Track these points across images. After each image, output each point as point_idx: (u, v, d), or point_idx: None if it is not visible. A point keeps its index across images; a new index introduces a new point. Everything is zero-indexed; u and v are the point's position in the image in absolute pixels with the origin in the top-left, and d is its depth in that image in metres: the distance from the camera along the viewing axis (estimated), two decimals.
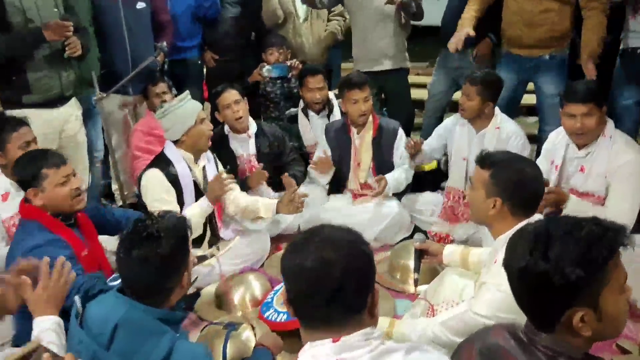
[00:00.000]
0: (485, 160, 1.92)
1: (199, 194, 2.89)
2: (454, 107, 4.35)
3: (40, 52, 3.00)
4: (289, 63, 4.00)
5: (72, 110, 3.25)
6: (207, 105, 4.60)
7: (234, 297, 2.73)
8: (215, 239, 3.03)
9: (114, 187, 3.82)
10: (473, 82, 3.07)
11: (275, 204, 2.98)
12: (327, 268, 1.16)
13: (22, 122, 2.62)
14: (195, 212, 2.78)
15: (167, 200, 2.77)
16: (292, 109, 3.94)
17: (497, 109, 3.20)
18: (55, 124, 3.15)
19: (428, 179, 3.58)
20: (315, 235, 1.24)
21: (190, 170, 2.87)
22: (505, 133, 3.13)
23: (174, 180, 2.80)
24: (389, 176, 3.32)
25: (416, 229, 3.30)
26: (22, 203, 2.24)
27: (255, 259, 3.09)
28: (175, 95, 3.45)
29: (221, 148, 3.36)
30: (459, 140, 3.27)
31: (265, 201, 3.05)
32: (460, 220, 3.24)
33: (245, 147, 3.44)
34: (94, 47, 3.51)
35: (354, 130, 3.42)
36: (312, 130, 3.79)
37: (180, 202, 2.83)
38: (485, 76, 3.11)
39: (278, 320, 2.45)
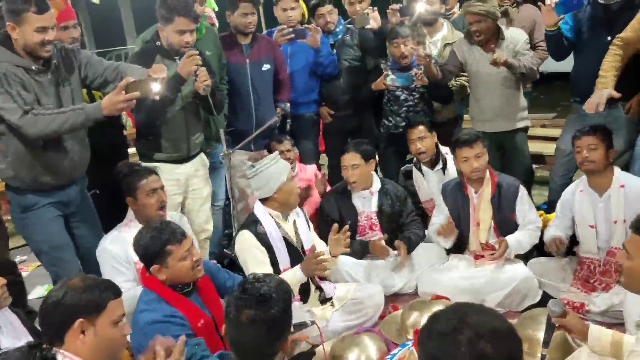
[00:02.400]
0: None
1: (291, 249, 2.91)
2: None
3: (173, 113, 3.17)
4: (413, 73, 3.87)
5: (198, 166, 3.43)
6: (324, 158, 4.72)
7: (349, 359, 2.65)
8: (323, 294, 3.00)
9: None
10: (591, 132, 2.92)
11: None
12: None
13: (151, 171, 2.83)
14: (288, 277, 2.73)
15: (261, 260, 2.81)
16: (407, 165, 3.89)
17: (615, 167, 2.98)
18: (181, 179, 3.33)
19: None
20: (464, 325, 1.14)
21: (280, 227, 2.90)
22: (634, 191, 2.87)
23: (264, 240, 2.84)
24: (510, 237, 3.14)
25: (545, 296, 3.05)
26: (144, 273, 2.31)
27: (368, 316, 3.01)
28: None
29: (343, 202, 3.38)
30: (581, 209, 3.04)
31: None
32: (597, 289, 2.95)
33: (367, 204, 3.43)
34: (225, 105, 3.73)
35: (470, 188, 3.29)
36: (428, 185, 3.71)
37: (273, 260, 2.85)
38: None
39: None
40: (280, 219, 2.93)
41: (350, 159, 3.35)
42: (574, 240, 3.25)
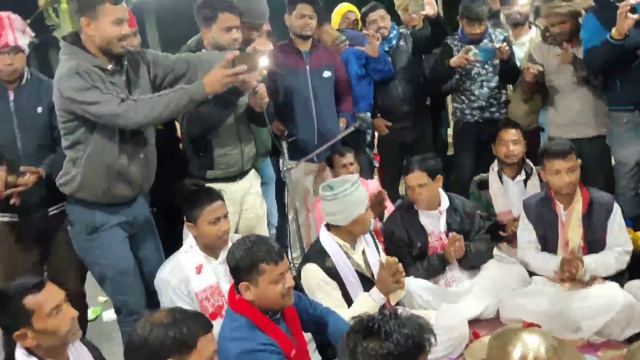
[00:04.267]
0: None
1: (364, 281, 2.68)
2: None
3: (225, 127, 2.99)
4: (497, 45, 3.66)
5: (251, 182, 3.21)
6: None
7: None
8: None
9: (294, 254, 3.74)
10: None
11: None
12: None
13: (217, 196, 2.59)
14: (365, 303, 2.56)
15: (333, 297, 2.59)
16: (483, 175, 3.63)
17: None
18: (236, 197, 3.11)
19: None
20: None
21: (349, 257, 2.68)
22: None
23: (333, 273, 2.62)
24: (589, 258, 2.89)
25: None
26: (232, 293, 2.13)
27: (453, 347, 2.75)
28: None
29: (410, 222, 3.15)
30: None
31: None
32: None
33: (435, 223, 3.18)
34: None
35: (559, 205, 3.01)
36: (507, 196, 3.45)
37: (345, 293, 2.64)
38: None
39: None
40: (348, 249, 2.71)
41: (417, 179, 3.09)
42: None
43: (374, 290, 2.60)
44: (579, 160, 2.97)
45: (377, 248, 2.88)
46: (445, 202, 3.20)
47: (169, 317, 1.58)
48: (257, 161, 3.60)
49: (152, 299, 2.65)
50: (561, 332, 2.76)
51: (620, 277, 2.98)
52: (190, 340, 1.56)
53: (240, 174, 3.12)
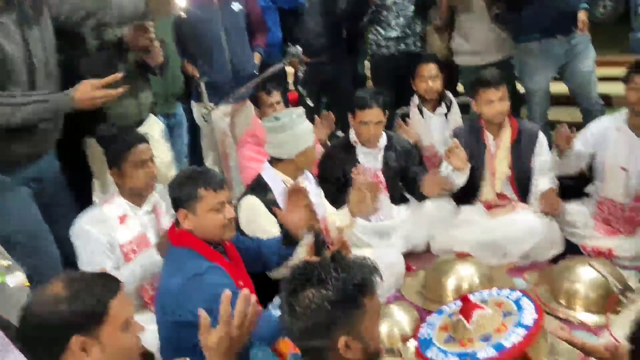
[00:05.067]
0: None
1: None
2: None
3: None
4: None
5: (151, 130, 2.91)
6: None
7: (381, 331, 2.38)
8: None
9: None
10: None
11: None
12: None
13: (141, 139, 2.38)
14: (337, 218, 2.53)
15: (269, 231, 2.48)
16: (404, 108, 3.57)
17: None
18: None
19: (569, 185, 3.14)
20: None
21: None
22: None
23: (273, 207, 2.49)
24: (545, 185, 2.95)
25: (568, 244, 2.89)
26: (172, 228, 2.01)
27: (389, 287, 2.73)
28: None
29: (347, 159, 3.05)
30: (615, 147, 2.84)
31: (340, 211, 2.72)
32: (620, 233, 2.81)
33: (373, 160, 3.10)
34: (175, 61, 3.26)
35: (488, 134, 3.03)
36: (429, 129, 3.43)
37: None
38: None
39: None
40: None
41: (376, 115, 2.97)
42: (584, 179, 3.10)
43: (345, 210, 2.55)
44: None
45: (319, 188, 2.78)
46: (384, 139, 3.12)
47: (68, 288, 1.31)
48: (169, 106, 3.34)
49: (69, 262, 2.39)
50: (490, 259, 2.84)
51: None
52: (99, 308, 1.31)
53: (137, 124, 2.87)
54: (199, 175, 1.96)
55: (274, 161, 2.58)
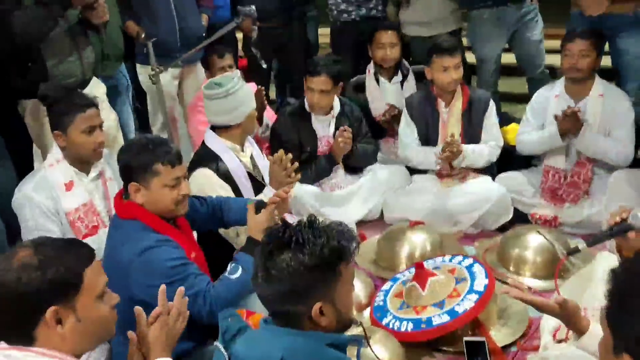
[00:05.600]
0: None
1: (255, 184, 2.52)
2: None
3: (56, 32, 2.56)
4: None
5: (94, 92, 2.74)
6: None
7: None
8: None
9: None
10: (586, 37, 2.75)
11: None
12: None
13: (92, 104, 2.23)
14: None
15: None
16: (360, 76, 3.52)
17: (596, 75, 2.87)
18: None
19: (516, 156, 3.20)
20: None
21: (240, 161, 2.49)
22: (612, 102, 2.80)
23: (227, 178, 2.42)
24: (471, 146, 2.98)
25: (516, 212, 2.96)
26: (119, 199, 1.89)
27: None
28: None
29: (302, 126, 2.99)
30: (555, 113, 2.90)
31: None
32: (565, 201, 2.91)
33: (326, 128, 3.05)
34: (115, 17, 3.08)
35: (441, 102, 3.03)
36: (384, 98, 3.39)
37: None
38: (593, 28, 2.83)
39: (404, 330, 2.11)
40: (238, 152, 2.50)
41: (322, 83, 2.90)
42: None
43: (267, 188, 2.42)
44: None
45: (262, 152, 2.73)
46: (337, 107, 3.07)
47: (37, 255, 1.22)
48: (109, 67, 3.15)
49: (11, 234, 2.25)
50: (442, 227, 2.88)
51: (490, 170, 3.14)
52: (74, 277, 1.23)
53: (82, 84, 2.71)
54: (155, 148, 1.83)
55: (218, 129, 2.47)
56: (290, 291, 1.25)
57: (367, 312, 2.34)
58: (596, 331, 1.49)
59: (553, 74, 3.86)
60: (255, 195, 2.48)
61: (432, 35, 3.51)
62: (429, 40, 3.36)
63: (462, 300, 2.11)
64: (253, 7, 3.08)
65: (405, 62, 3.44)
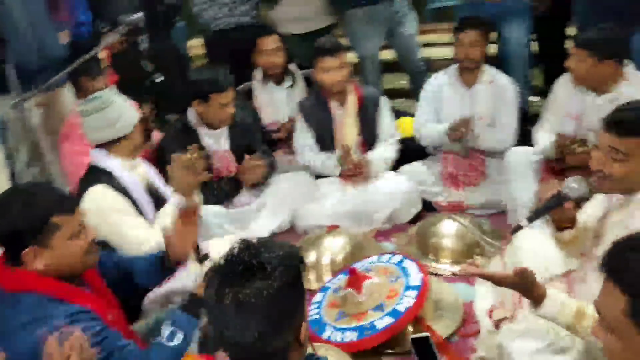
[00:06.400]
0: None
1: (153, 199, 2.30)
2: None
3: None
4: None
5: None
6: None
7: None
8: (200, 250, 2.42)
9: None
10: (475, 26, 2.85)
11: None
12: None
13: None
14: (169, 213, 2.12)
15: (131, 214, 2.16)
16: (246, 83, 3.35)
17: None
18: None
19: (412, 146, 3.24)
20: None
21: (137, 175, 2.27)
22: (501, 88, 2.93)
23: (124, 192, 2.18)
24: (375, 154, 2.98)
25: (424, 202, 2.98)
26: (6, 271, 1.50)
27: None
28: None
29: (189, 143, 2.71)
30: (449, 102, 3.00)
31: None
32: (466, 184, 2.99)
33: (218, 141, 2.84)
34: None
35: (334, 103, 2.97)
36: (274, 104, 3.27)
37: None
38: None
39: (348, 340, 1.99)
40: (131, 167, 2.25)
41: (231, 96, 2.73)
42: None
43: (172, 198, 2.15)
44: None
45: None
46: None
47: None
48: None
49: None
50: (356, 227, 2.82)
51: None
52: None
53: None
54: (45, 197, 1.51)
55: (107, 146, 2.20)
56: (278, 321, 1.12)
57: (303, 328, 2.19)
58: (554, 295, 1.51)
59: (429, 66, 4.00)
60: (157, 209, 2.25)
61: (307, 32, 3.46)
62: (307, 37, 3.32)
63: (402, 298, 2.06)
64: (141, 14, 2.76)
65: (292, 66, 3.34)
